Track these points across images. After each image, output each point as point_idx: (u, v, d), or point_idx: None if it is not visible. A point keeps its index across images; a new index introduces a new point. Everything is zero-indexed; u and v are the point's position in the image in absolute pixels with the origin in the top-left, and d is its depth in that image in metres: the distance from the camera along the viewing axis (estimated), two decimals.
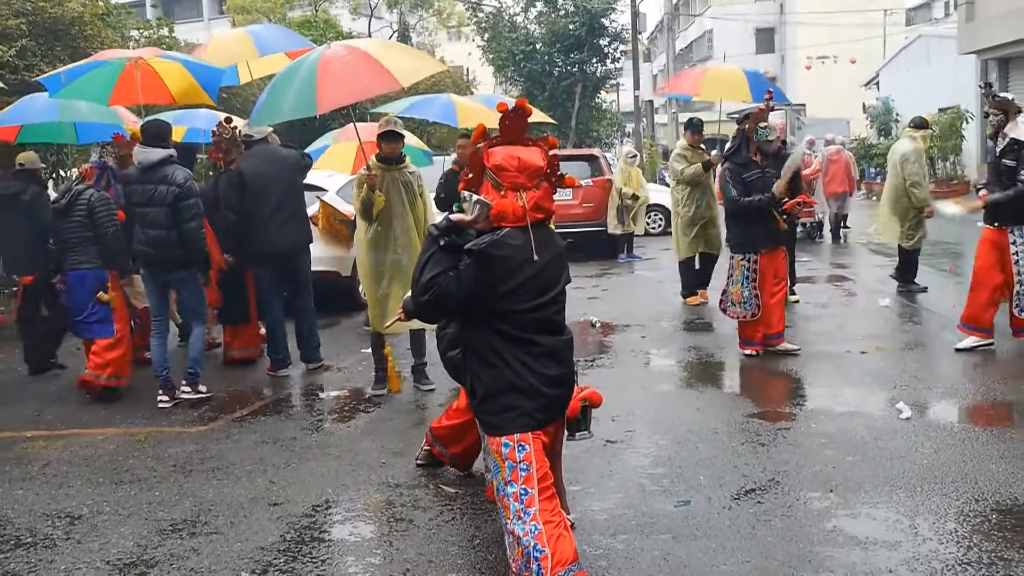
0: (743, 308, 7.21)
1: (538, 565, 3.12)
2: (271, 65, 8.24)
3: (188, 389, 6.66)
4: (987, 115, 7.04)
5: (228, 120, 7.59)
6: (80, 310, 6.83)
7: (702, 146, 9.83)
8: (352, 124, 7.44)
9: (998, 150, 6.84)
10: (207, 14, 52.51)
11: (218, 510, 4.53)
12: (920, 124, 10.08)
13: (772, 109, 7.35)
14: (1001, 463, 4.64)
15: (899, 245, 9.91)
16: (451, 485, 4.71)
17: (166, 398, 6.57)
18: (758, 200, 6.99)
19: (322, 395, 6.67)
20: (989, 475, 4.48)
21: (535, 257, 3.20)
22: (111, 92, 7.34)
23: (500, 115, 3.32)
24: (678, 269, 10.03)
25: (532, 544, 3.15)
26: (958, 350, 7.01)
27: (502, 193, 3.25)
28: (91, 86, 7.34)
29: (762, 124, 7.13)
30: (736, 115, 12.11)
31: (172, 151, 6.56)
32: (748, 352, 7.28)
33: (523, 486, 3.21)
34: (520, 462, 3.22)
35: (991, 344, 6.99)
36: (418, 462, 5.00)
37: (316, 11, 32.42)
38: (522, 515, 3.19)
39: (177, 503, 4.65)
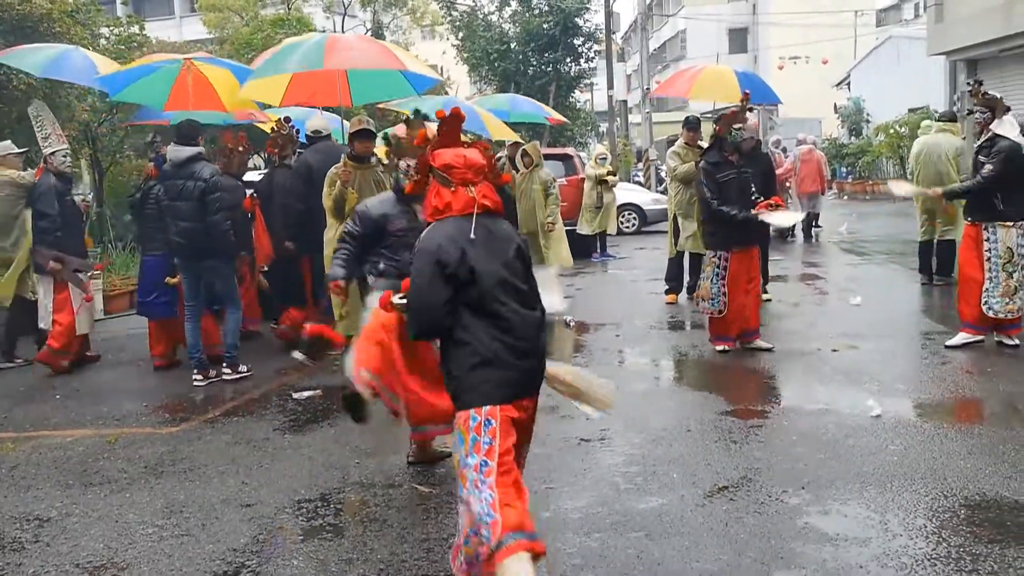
0: (710, 304, 7.28)
1: (488, 530, 3.17)
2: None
3: (229, 370, 7.17)
4: (970, 111, 7.05)
5: (287, 119, 8.30)
6: (149, 291, 7.60)
7: (700, 144, 9.73)
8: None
9: (976, 145, 6.93)
10: (179, 11, 52.05)
11: (189, 512, 4.49)
12: (952, 117, 10.14)
13: (749, 111, 7.35)
14: (969, 459, 4.70)
15: (936, 240, 9.81)
16: (425, 485, 4.70)
17: (200, 377, 7.07)
18: (731, 214, 7.03)
19: (295, 395, 6.63)
20: (957, 471, 4.53)
21: (472, 236, 3.38)
22: (168, 98, 7.73)
23: (439, 120, 3.55)
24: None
25: (484, 511, 3.20)
26: (948, 347, 7.04)
27: (452, 189, 3.45)
28: (150, 90, 7.87)
29: (736, 125, 7.13)
30: (711, 115, 12.18)
31: (201, 149, 7.05)
32: (720, 348, 7.33)
33: (484, 458, 3.28)
34: (484, 435, 3.30)
35: (981, 340, 7.04)
36: (409, 459, 4.99)
37: (289, 9, 32.20)
38: (479, 485, 3.25)
39: (148, 505, 4.61)
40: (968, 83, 7.02)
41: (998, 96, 6.90)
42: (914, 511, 4.09)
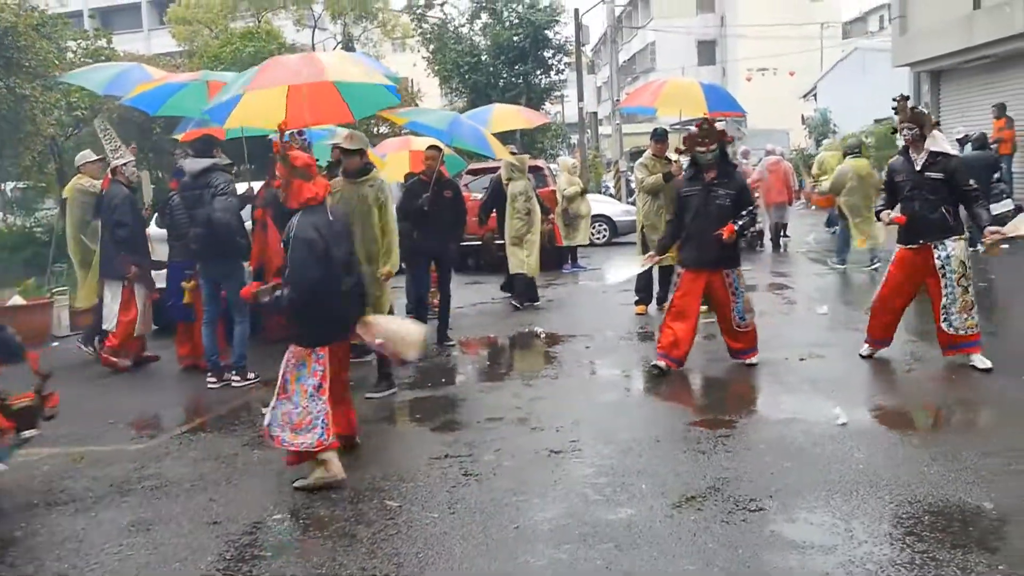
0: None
1: (323, 424, 4.86)
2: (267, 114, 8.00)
3: (238, 377, 7.43)
4: (895, 131, 7.01)
5: (299, 132, 8.62)
6: (169, 296, 8.04)
7: (668, 156, 9.79)
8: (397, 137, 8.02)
9: (918, 165, 6.64)
10: (147, 24, 51.76)
11: (156, 530, 4.45)
12: (859, 148, 10.31)
13: (711, 125, 7.23)
14: (933, 466, 4.76)
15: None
16: (394, 499, 4.70)
17: (214, 379, 7.44)
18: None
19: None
20: (921, 478, 4.59)
21: (330, 217, 5.07)
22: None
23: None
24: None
25: (321, 410, 4.88)
26: (863, 356, 7.17)
27: (313, 182, 4.99)
28: (187, 102, 8.16)
29: (699, 149, 7.03)
30: (679, 126, 12.30)
31: (217, 160, 7.64)
32: (655, 362, 7.11)
33: (320, 381, 4.92)
34: (316, 363, 4.93)
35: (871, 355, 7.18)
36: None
37: (259, 22, 32.11)
38: (316, 398, 4.89)
39: (114, 523, 4.57)
40: (894, 99, 6.83)
41: (926, 112, 6.79)
42: (879, 518, 4.14)
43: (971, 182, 6.62)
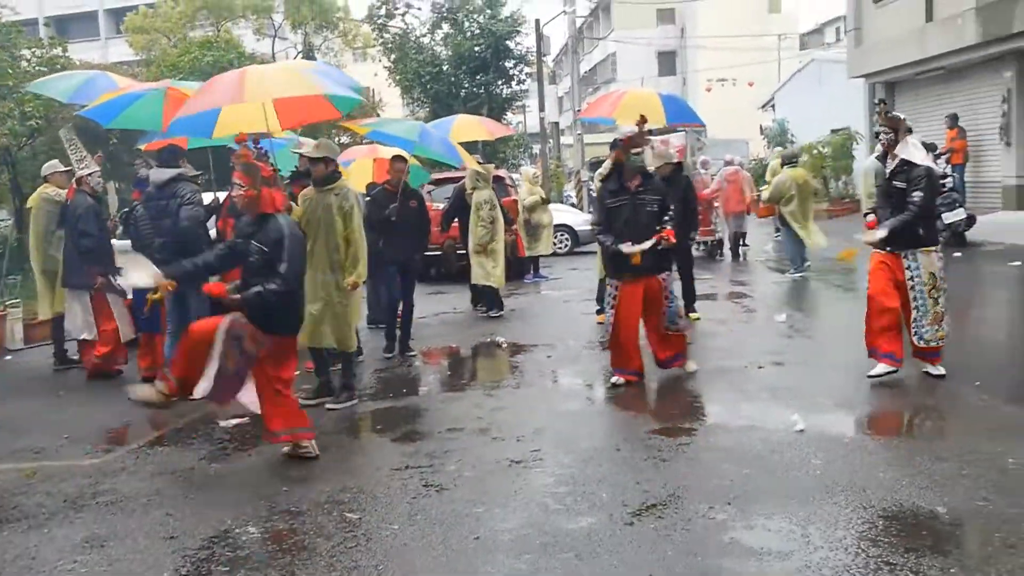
0: (605, 331, 7.19)
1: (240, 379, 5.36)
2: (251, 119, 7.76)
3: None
4: (878, 135, 6.84)
5: (255, 142, 8.49)
6: (140, 307, 7.74)
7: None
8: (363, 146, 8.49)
9: (888, 171, 6.64)
10: (104, 33, 51.18)
11: (111, 546, 4.38)
12: (795, 159, 10.58)
13: (650, 134, 7.19)
14: (888, 471, 4.83)
15: None
16: (354, 511, 4.67)
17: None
18: (606, 242, 6.92)
19: (222, 423, 6.53)
20: (876, 482, 4.65)
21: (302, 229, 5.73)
22: (162, 117, 7.65)
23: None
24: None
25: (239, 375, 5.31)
26: (870, 377, 6.64)
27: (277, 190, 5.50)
28: (142, 113, 7.99)
29: (634, 150, 6.92)
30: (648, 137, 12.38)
31: (183, 170, 7.58)
32: (613, 380, 7.05)
33: (252, 357, 5.30)
34: (258, 342, 5.26)
35: (896, 371, 6.63)
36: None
37: (218, 31, 31.87)
38: (244, 366, 5.30)
39: (67, 540, 4.49)
40: (876, 103, 6.91)
41: (901, 117, 6.69)
42: (835, 523, 4.18)
43: (916, 195, 6.40)
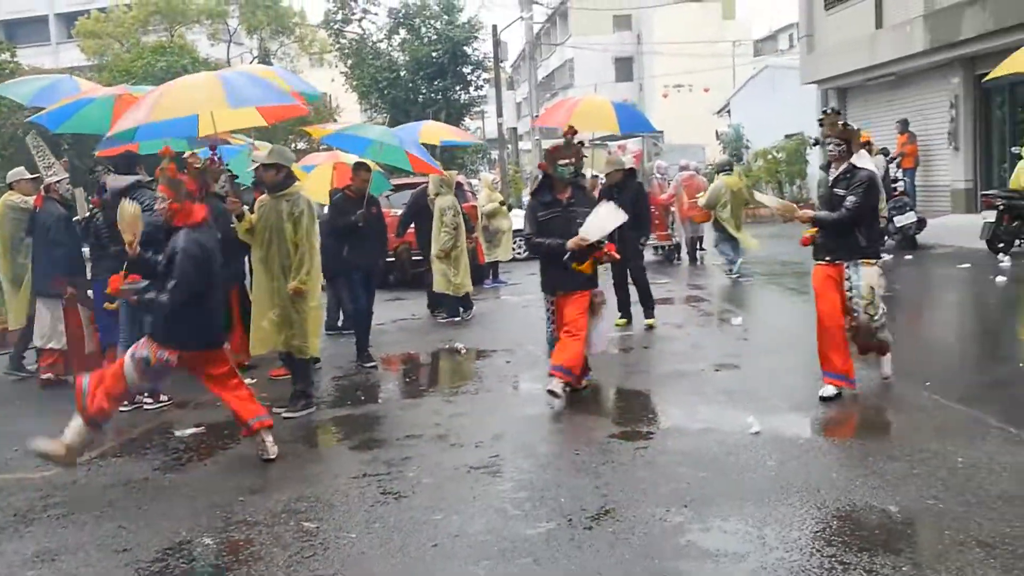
0: (548, 345, 7.02)
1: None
2: (239, 118, 7.73)
3: (150, 400, 7.22)
4: (817, 142, 6.99)
5: (212, 148, 8.16)
6: (98, 315, 7.81)
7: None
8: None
9: (831, 179, 6.43)
10: (55, 38, 50.29)
11: (62, 560, 4.30)
12: (729, 166, 10.73)
13: (581, 146, 6.85)
14: (841, 471, 4.90)
15: None
16: (311, 520, 4.63)
17: (151, 400, 7.21)
18: (547, 243, 6.62)
19: (177, 432, 6.45)
20: (830, 483, 4.72)
21: (218, 235, 5.69)
22: (111, 121, 7.62)
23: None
24: None
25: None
26: (823, 399, 6.32)
27: (200, 205, 5.52)
28: (91, 117, 7.93)
29: (560, 161, 6.64)
30: (598, 142, 12.45)
31: (140, 177, 7.45)
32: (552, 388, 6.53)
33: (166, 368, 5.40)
34: (159, 362, 5.35)
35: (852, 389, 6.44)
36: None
37: (172, 36, 31.49)
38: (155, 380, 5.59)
39: (17, 555, 4.39)
40: (824, 111, 6.49)
41: (856, 128, 6.47)
42: (789, 524, 4.23)
43: (850, 199, 6.13)
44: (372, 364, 8.55)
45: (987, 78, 12.06)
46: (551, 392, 6.43)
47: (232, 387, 5.66)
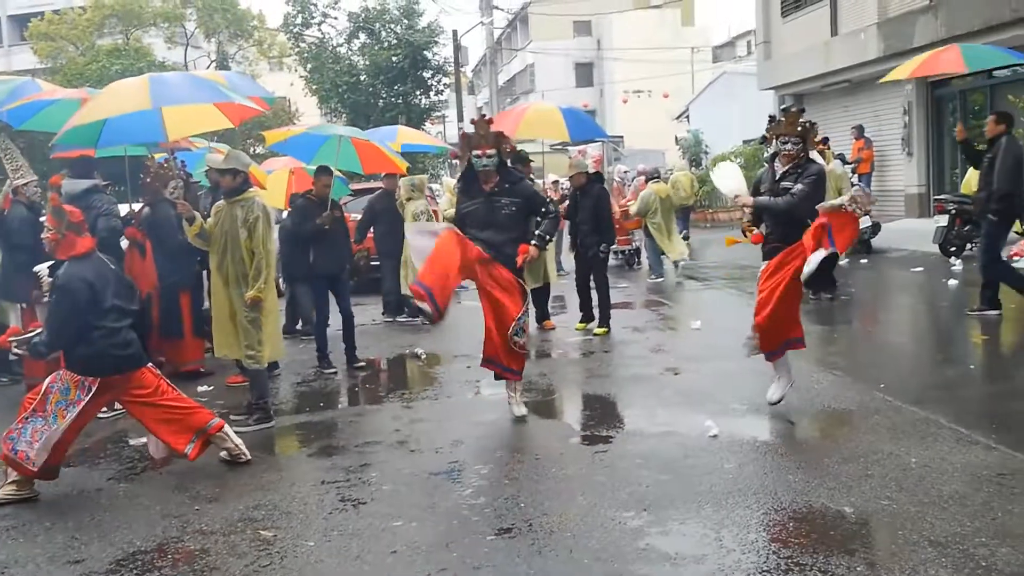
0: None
1: (43, 446, 5.05)
2: (204, 121, 7.50)
3: (104, 408, 6.74)
4: (764, 139, 6.49)
5: (171, 153, 8.35)
6: None
7: (531, 177, 9.86)
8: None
9: (779, 173, 6.19)
10: (7, 40, 49.36)
11: (12, 572, 4.21)
12: (657, 176, 11.44)
13: (502, 136, 6.53)
14: (798, 473, 4.95)
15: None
16: (269, 529, 4.58)
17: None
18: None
19: (132, 441, 6.35)
20: (787, 485, 4.77)
21: (106, 263, 5.43)
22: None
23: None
24: None
25: (59, 428, 5.09)
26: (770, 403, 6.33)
27: (84, 236, 5.33)
28: (54, 119, 7.74)
29: (475, 152, 6.34)
30: (558, 146, 12.52)
31: (96, 181, 7.51)
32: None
33: (77, 407, 5.14)
34: (80, 392, 5.16)
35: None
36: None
37: (128, 39, 31.09)
38: (65, 416, 5.11)
39: None
40: (784, 109, 6.32)
41: (813, 125, 6.26)
42: (747, 526, 4.27)
43: (798, 187, 6.00)
44: (332, 370, 8.49)
45: (881, 80, 12.57)
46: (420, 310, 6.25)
47: (155, 412, 5.45)
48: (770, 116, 6.60)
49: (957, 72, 10.38)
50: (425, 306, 5.98)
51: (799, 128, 6.12)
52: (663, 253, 13.84)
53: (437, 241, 6.13)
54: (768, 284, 6.18)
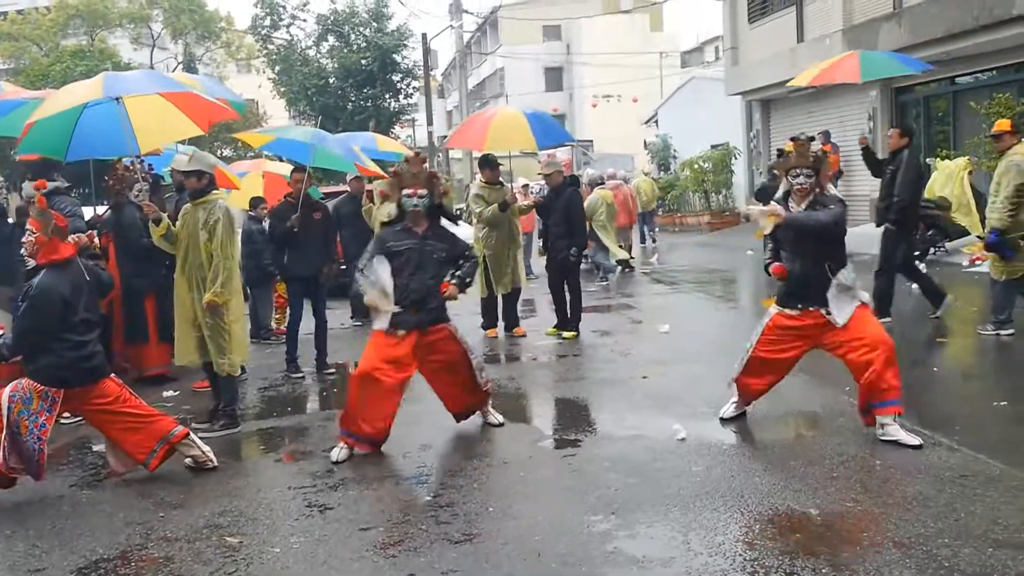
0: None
1: (40, 450, 5.09)
2: (175, 130, 7.26)
3: (67, 414, 6.57)
4: (774, 175, 6.10)
5: (139, 158, 8.02)
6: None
7: (500, 181, 9.85)
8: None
9: (803, 206, 5.61)
10: None
11: None
12: (601, 182, 11.56)
13: (433, 176, 6.05)
14: (764, 476, 4.99)
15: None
16: (234, 535, 4.53)
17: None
18: (366, 278, 5.78)
19: (95, 447, 6.26)
20: (753, 488, 4.80)
21: (87, 277, 5.33)
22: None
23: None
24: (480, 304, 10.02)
25: (37, 445, 5.08)
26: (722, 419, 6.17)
27: (65, 242, 5.25)
28: (19, 122, 7.51)
29: (406, 192, 5.85)
30: (531, 152, 12.55)
31: (58, 184, 7.49)
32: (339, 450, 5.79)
33: (45, 420, 5.11)
34: (43, 402, 5.12)
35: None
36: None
37: (93, 40, 30.73)
38: (39, 433, 5.07)
39: None
40: (794, 139, 5.70)
41: (825, 155, 5.69)
42: (714, 529, 4.29)
43: (832, 211, 5.49)
44: (300, 375, 8.43)
45: (789, 83, 13.10)
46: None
47: (117, 420, 5.40)
48: (779, 150, 6.38)
49: (853, 81, 10.56)
50: (358, 449, 5.75)
51: (811, 159, 5.57)
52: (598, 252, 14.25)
53: (372, 394, 5.80)
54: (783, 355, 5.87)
